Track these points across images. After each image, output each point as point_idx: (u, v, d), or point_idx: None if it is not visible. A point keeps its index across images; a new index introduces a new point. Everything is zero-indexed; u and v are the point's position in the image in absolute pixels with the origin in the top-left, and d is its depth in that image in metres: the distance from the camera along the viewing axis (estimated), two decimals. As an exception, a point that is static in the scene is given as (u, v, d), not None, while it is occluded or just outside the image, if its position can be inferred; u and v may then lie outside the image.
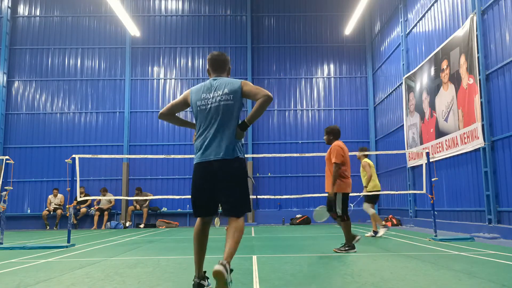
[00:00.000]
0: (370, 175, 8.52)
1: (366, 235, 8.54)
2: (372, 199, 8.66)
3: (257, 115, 3.17)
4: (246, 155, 11.84)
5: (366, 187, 8.59)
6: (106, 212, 14.37)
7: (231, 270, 2.95)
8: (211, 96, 3.28)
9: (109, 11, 15.80)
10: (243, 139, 3.30)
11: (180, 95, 16.85)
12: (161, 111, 3.48)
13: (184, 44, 16.22)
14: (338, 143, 6.02)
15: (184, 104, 3.44)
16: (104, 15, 16.15)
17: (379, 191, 8.65)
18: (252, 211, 15.07)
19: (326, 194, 9.01)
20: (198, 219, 3.27)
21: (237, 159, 3.21)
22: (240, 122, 3.26)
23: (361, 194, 8.68)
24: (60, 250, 6.70)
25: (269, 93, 3.15)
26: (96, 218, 14.25)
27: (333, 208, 5.87)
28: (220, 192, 3.18)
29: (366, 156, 8.96)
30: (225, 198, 3.17)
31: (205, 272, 3.21)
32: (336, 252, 5.68)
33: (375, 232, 8.44)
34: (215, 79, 3.36)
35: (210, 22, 16.37)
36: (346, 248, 5.68)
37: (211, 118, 3.25)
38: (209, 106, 3.26)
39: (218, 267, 2.80)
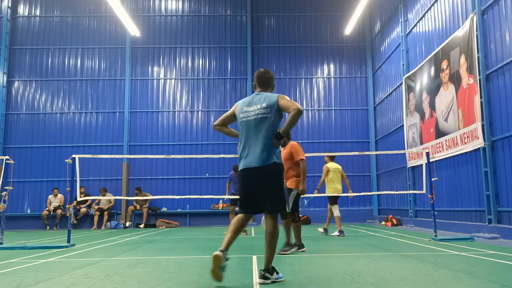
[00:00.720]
0: (323, 180, 9.07)
1: (319, 229, 9.42)
2: (333, 200, 9.12)
3: (289, 126, 3.58)
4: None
5: (317, 189, 9.08)
6: (105, 212, 14.37)
7: (273, 268, 3.57)
8: (251, 109, 3.69)
9: (109, 11, 15.80)
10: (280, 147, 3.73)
11: (180, 95, 16.79)
12: (215, 122, 3.94)
13: (184, 44, 16.22)
14: (296, 142, 6.09)
15: (233, 116, 3.87)
16: (104, 15, 16.16)
17: (339, 194, 9.03)
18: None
19: (326, 194, 9.00)
20: (242, 215, 3.74)
21: (273, 164, 3.62)
22: (276, 132, 3.64)
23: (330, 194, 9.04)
24: (60, 250, 6.70)
25: (300, 107, 3.53)
26: (96, 218, 14.25)
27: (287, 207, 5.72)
28: (260, 194, 3.65)
29: (332, 160, 9.32)
30: (264, 199, 3.65)
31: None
32: (281, 254, 5.59)
33: (326, 230, 9.24)
34: (257, 94, 3.79)
35: (210, 22, 16.38)
36: (289, 249, 5.67)
37: (250, 130, 3.67)
38: (249, 118, 3.68)
39: (259, 280, 3.54)
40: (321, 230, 9.29)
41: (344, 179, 9.26)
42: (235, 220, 3.68)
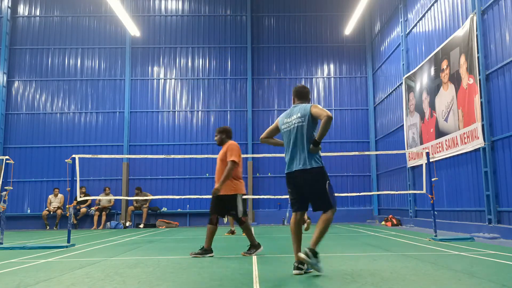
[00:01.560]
0: None
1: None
2: None
3: (323, 132, 3.95)
4: (245, 155, 11.86)
5: None
6: (104, 212, 14.36)
7: (316, 253, 3.86)
8: (290, 120, 4.18)
9: (109, 11, 15.80)
10: (319, 151, 4.09)
11: (180, 95, 16.78)
12: (261, 136, 4.51)
13: (184, 44, 16.22)
14: (234, 142, 5.83)
15: (276, 128, 4.40)
16: (104, 15, 16.16)
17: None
18: (252, 211, 15.07)
19: None
20: (293, 214, 4.20)
21: (313, 168, 4.02)
22: (312, 139, 4.06)
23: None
24: (60, 250, 6.70)
25: (329, 114, 3.94)
26: (95, 218, 14.25)
27: (231, 211, 5.69)
28: (307, 194, 4.09)
29: None
30: (311, 198, 4.10)
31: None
32: (245, 255, 5.54)
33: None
34: (295, 106, 4.27)
35: (210, 22, 16.38)
36: (252, 251, 5.60)
37: (291, 137, 4.15)
38: (289, 127, 4.18)
39: (300, 254, 3.84)
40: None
41: None
42: (292, 228, 4.15)
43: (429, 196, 7.78)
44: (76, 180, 7.66)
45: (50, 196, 14.55)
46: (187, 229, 13.13)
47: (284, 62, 16.25)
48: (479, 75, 8.28)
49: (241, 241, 7.98)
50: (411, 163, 12.01)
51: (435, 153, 10.08)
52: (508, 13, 7.62)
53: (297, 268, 3.93)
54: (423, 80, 11.18)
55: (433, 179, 7.72)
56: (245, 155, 12.02)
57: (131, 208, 14.62)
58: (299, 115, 4.11)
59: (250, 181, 15.10)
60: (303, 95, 4.33)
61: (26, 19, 16.15)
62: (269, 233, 10.22)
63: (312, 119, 4.07)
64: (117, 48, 16.07)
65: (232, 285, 3.55)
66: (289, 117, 4.20)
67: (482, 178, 8.25)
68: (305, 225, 9.43)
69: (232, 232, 9.76)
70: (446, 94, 9.75)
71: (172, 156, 9.43)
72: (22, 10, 16.17)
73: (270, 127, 4.45)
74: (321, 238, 3.95)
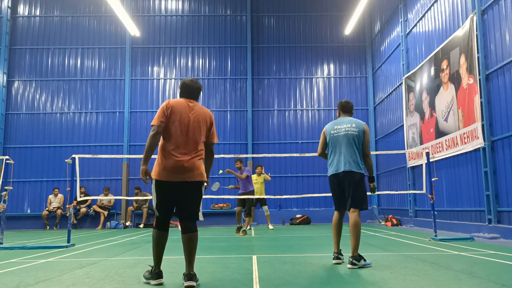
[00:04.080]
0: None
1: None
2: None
3: (371, 168, 4.76)
4: (245, 155, 11.85)
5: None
6: (103, 212, 14.35)
7: (360, 257, 4.33)
8: (340, 127, 4.68)
9: (109, 11, 15.79)
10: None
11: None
12: (318, 152, 4.98)
13: (184, 44, 16.22)
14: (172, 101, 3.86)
15: (325, 139, 4.85)
16: (104, 15, 16.15)
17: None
18: (253, 211, 15.05)
19: (326, 194, 8.96)
20: (336, 212, 4.73)
21: (358, 173, 4.54)
22: (369, 178, 4.83)
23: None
24: (60, 250, 6.70)
25: (370, 153, 4.67)
26: (102, 219, 14.28)
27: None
28: (347, 192, 4.54)
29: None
30: (349, 196, 4.53)
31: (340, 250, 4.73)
32: None
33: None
34: (343, 118, 4.83)
35: (210, 22, 16.38)
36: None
37: (342, 142, 4.61)
38: (339, 134, 4.65)
39: (348, 266, 4.30)
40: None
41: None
42: (333, 225, 4.70)
43: (429, 196, 7.78)
44: (76, 180, 7.66)
45: (50, 196, 14.55)
46: (187, 229, 13.10)
47: (284, 62, 16.25)
48: (479, 75, 8.28)
49: (240, 241, 7.98)
50: (411, 163, 12.01)
51: (435, 153, 10.08)
52: (508, 13, 7.62)
53: (337, 258, 4.66)
54: (423, 80, 11.18)
55: (433, 179, 7.72)
56: (245, 155, 12.06)
57: (131, 208, 14.62)
58: (353, 125, 4.65)
59: (250, 181, 15.08)
60: (347, 109, 4.93)
61: (26, 19, 16.14)
62: (269, 233, 10.22)
63: (364, 135, 4.64)
64: (117, 48, 16.07)
65: (232, 285, 3.55)
66: (339, 125, 4.71)
67: (482, 178, 8.25)
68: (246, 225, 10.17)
69: (241, 229, 9.93)
70: (446, 94, 9.75)
71: (172, 156, 9.41)
72: (22, 10, 16.17)
73: (322, 141, 4.89)
74: (358, 242, 4.43)
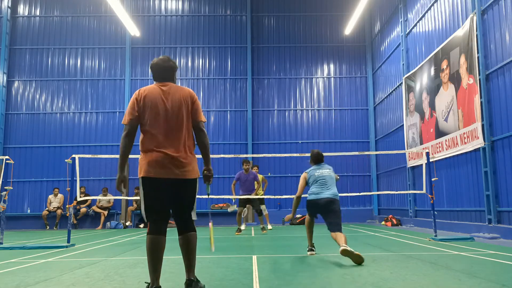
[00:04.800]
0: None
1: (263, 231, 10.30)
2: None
3: None
4: (245, 155, 11.83)
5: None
6: (103, 212, 14.35)
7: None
8: (322, 171, 5.68)
9: (109, 11, 15.79)
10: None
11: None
12: (298, 194, 5.80)
13: (184, 44, 16.22)
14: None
15: (305, 182, 5.80)
16: (104, 15, 16.15)
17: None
18: (253, 211, 15.06)
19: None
20: (311, 218, 5.77)
21: (337, 200, 5.49)
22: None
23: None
24: (60, 250, 6.70)
25: None
26: (102, 219, 14.28)
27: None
28: (327, 216, 5.41)
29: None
30: (330, 219, 5.40)
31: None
32: None
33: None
34: (320, 165, 5.79)
35: (210, 22, 16.38)
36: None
37: (325, 179, 5.59)
38: (323, 174, 5.64)
39: (342, 248, 4.71)
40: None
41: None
42: (311, 225, 5.75)
43: (429, 196, 7.78)
44: (76, 180, 7.66)
45: (50, 196, 14.55)
46: (187, 229, 13.10)
47: (284, 62, 16.25)
48: (479, 75, 8.28)
49: (240, 241, 7.98)
50: (411, 163, 12.01)
51: (435, 153, 10.08)
52: (508, 13, 7.62)
53: (310, 250, 5.63)
54: (423, 80, 11.18)
55: (433, 179, 7.72)
56: (245, 155, 12.06)
57: (131, 208, 14.62)
58: (329, 171, 5.73)
59: (250, 181, 15.09)
60: (321, 158, 5.88)
61: (26, 19, 16.15)
62: (269, 233, 10.22)
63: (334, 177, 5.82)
64: (117, 48, 16.07)
65: (232, 285, 3.55)
66: (320, 169, 5.71)
67: (482, 178, 8.25)
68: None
69: (241, 230, 10.06)
70: (446, 94, 9.75)
71: (172, 156, 9.41)
72: (22, 10, 16.17)
73: (302, 184, 5.78)
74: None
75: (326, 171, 5.75)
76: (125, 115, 3.34)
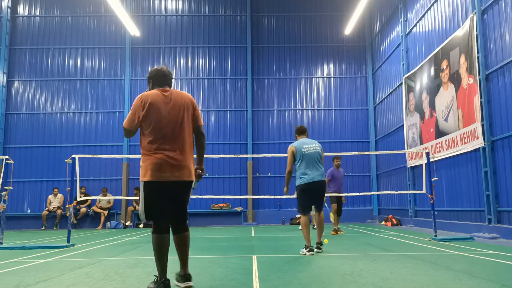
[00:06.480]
0: None
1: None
2: None
3: None
4: (245, 155, 11.82)
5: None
6: (104, 212, 14.35)
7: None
8: (309, 146, 5.91)
9: (109, 11, 15.79)
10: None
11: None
12: (288, 169, 6.05)
13: (184, 44, 16.22)
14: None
15: (293, 156, 5.99)
16: (104, 15, 16.15)
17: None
18: (252, 211, 15.06)
19: (326, 194, 8.94)
20: (305, 217, 5.84)
21: (325, 181, 5.93)
22: None
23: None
24: (60, 250, 6.70)
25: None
26: (102, 219, 14.27)
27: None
28: (316, 197, 5.90)
29: None
30: (318, 199, 5.96)
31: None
32: None
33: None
34: (305, 138, 6.14)
35: (210, 22, 16.37)
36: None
37: (314, 158, 5.87)
38: (310, 151, 5.87)
39: (317, 250, 5.73)
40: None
41: None
42: (307, 225, 5.76)
43: (429, 196, 7.78)
44: (76, 180, 7.67)
45: (49, 196, 14.54)
46: (187, 229, 13.10)
47: (284, 62, 16.25)
48: (479, 75, 8.28)
49: (240, 241, 7.98)
50: (411, 163, 12.01)
51: (435, 153, 10.08)
52: (508, 13, 7.62)
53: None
54: (423, 80, 11.18)
55: (433, 179, 7.72)
56: (245, 155, 12.06)
57: (131, 208, 14.62)
58: (316, 146, 5.93)
59: (250, 181, 15.10)
60: (303, 131, 6.23)
61: (26, 19, 16.14)
62: (269, 233, 10.22)
63: (322, 153, 5.99)
64: (117, 48, 16.07)
65: (232, 285, 3.55)
66: (307, 145, 5.89)
67: (482, 178, 8.25)
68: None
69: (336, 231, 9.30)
70: (446, 94, 9.75)
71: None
72: (22, 10, 16.17)
73: (291, 159, 5.92)
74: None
75: (311, 146, 5.91)
76: (127, 120, 3.48)
